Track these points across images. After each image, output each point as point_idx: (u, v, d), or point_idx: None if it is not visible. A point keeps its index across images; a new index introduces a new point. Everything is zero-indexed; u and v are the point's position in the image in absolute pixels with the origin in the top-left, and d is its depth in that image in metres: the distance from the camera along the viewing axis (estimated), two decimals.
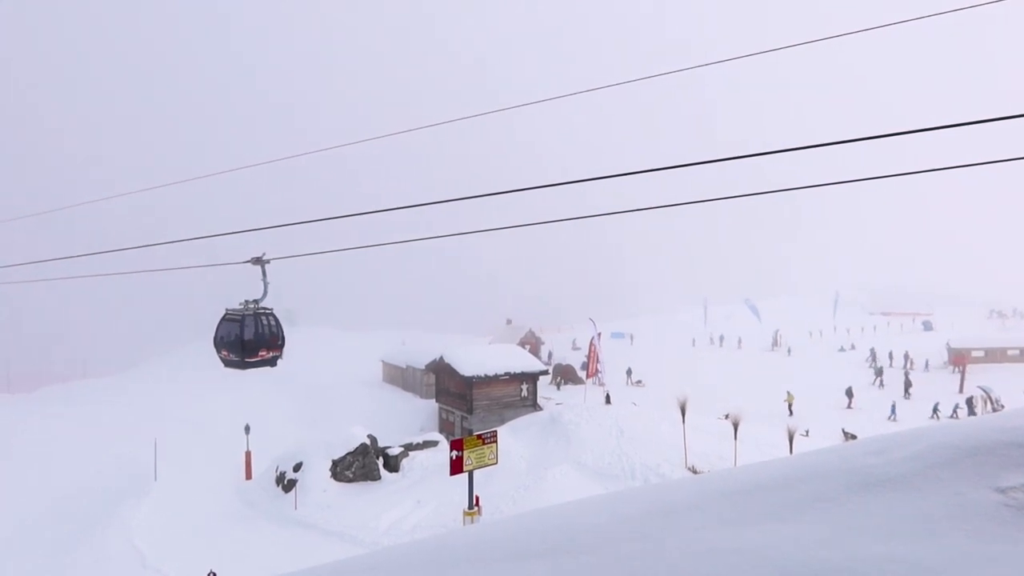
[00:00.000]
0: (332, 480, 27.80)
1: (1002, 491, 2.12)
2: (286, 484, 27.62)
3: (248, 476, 31.83)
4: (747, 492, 2.18)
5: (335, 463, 28.19)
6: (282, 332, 11.98)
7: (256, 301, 11.58)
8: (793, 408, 42.19)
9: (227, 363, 11.75)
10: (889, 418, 40.82)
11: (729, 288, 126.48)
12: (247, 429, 33.76)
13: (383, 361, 58.77)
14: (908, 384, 48.59)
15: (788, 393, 43.60)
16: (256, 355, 11.54)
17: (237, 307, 11.61)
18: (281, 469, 28.53)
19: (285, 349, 12.46)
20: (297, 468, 27.93)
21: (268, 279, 11.28)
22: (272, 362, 11.86)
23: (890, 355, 61.29)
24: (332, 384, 54.94)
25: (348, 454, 28.43)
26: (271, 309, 11.83)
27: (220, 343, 11.68)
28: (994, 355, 57.48)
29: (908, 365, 57.91)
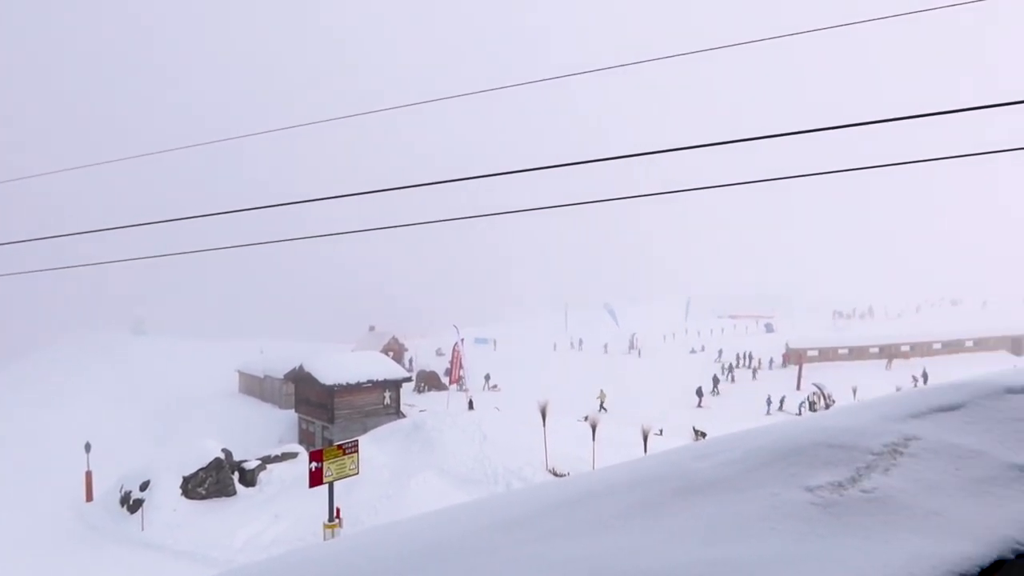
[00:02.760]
0: (183, 498, 26.36)
1: (811, 490, 2.33)
2: (132, 504, 25.92)
3: (89, 498, 29.62)
4: (579, 501, 2.27)
5: (186, 480, 26.75)
6: None
7: None
8: (605, 405, 44.17)
9: None
10: (767, 413, 43.66)
11: (591, 293, 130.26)
12: (87, 447, 31.41)
13: (239, 371, 56.34)
14: (716, 381, 52.10)
15: (601, 391, 45.90)
16: None
17: None
18: (126, 488, 26.74)
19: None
20: (144, 487, 26.27)
21: None
22: None
23: (729, 355, 65.22)
24: (184, 397, 52.11)
25: (200, 470, 27.05)
26: None
27: None
28: (827, 354, 62.42)
29: (756, 364, 61.87)
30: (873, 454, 2.53)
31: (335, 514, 21.31)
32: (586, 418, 31.81)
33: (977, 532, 2.09)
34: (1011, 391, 2.90)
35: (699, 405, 47.02)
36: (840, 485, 2.38)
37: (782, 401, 45.44)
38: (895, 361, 60.46)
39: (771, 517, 2.37)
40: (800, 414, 41.88)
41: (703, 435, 35.71)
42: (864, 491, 2.32)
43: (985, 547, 2.07)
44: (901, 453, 2.53)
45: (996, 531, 2.12)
